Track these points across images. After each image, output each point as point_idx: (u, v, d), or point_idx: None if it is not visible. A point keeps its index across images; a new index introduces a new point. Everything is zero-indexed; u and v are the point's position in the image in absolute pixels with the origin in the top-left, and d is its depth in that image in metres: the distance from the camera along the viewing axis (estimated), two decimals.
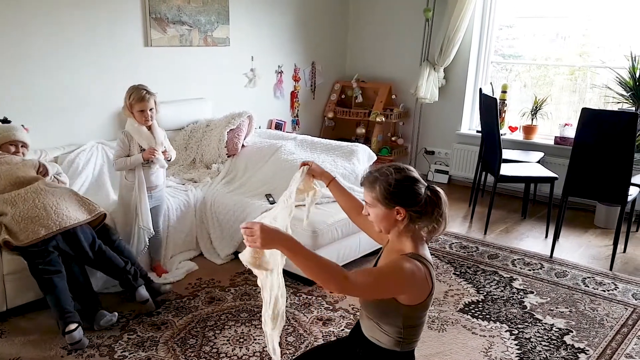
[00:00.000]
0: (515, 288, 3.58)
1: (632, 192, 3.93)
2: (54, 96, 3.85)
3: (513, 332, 3.06)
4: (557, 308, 3.34)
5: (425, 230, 1.76)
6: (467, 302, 3.38)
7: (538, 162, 4.85)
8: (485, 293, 3.50)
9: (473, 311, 3.27)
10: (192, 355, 2.76)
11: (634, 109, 4.64)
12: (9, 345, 2.80)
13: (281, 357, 1.92)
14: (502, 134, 4.78)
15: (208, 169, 4.35)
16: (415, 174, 1.76)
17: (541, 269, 3.88)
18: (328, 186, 2.11)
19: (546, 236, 4.48)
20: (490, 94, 4.64)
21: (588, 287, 3.62)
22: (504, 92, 5.43)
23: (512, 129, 5.55)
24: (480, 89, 4.74)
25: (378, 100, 5.84)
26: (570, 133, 4.98)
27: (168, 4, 4.40)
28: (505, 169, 4.42)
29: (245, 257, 1.70)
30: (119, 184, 3.46)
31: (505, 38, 5.82)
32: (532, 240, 4.44)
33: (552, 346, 2.93)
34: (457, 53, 5.55)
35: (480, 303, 3.37)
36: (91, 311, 2.94)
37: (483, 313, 3.26)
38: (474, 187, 5.12)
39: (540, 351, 2.88)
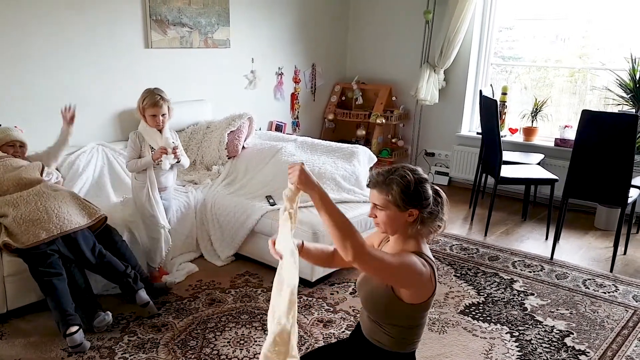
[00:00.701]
0: (516, 290, 3.58)
1: (633, 193, 3.94)
2: (54, 97, 3.84)
3: (514, 334, 3.06)
4: (557, 310, 3.34)
5: (429, 230, 1.77)
6: (467, 304, 3.38)
7: (538, 164, 4.85)
8: (485, 295, 3.50)
9: (474, 313, 3.27)
10: (193, 357, 2.75)
11: (634, 110, 4.64)
12: (9, 347, 2.80)
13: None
14: (502, 136, 4.78)
15: (208, 170, 4.35)
16: (425, 175, 1.79)
17: (542, 270, 3.88)
18: (300, 254, 1.83)
19: (546, 238, 4.48)
20: (490, 96, 4.64)
21: (588, 289, 3.62)
22: (504, 93, 5.44)
23: (513, 131, 5.56)
24: (481, 91, 4.75)
25: (378, 102, 5.85)
26: (571, 135, 4.98)
27: (168, 5, 4.40)
28: (506, 171, 4.42)
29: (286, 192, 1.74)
30: (131, 186, 3.46)
31: (505, 40, 5.82)
32: (532, 242, 4.44)
33: (553, 348, 2.93)
34: (457, 55, 5.55)
35: (481, 305, 3.37)
36: (91, 314, 2.93)
37: (484, 315, 3.25)
38: (474, 189, 5.12)
39: (541, 353, 2.88)
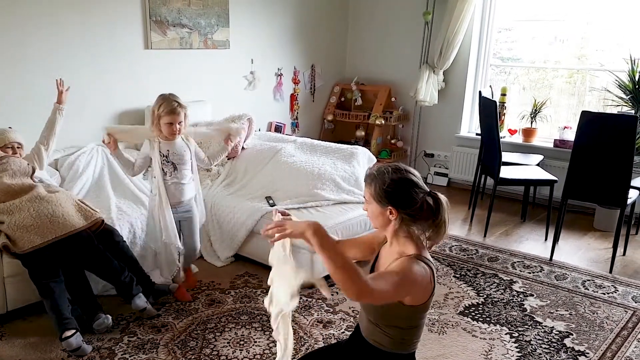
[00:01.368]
0: (515, 291, 3.58)
1: (632, 194, 3.94)
2: (53, 98, 3.84)
3: (513, 334, 3.06)
4: (557, 311, 3.34)
5: (424, 236, 1.75)
6: (467, 305, 3.38)
7: (537, 164, 4.86)
8: (485, 296, 3.50)
9: (473, 314, 3.28)
10: (193, 357, 2.75)
11: (633, 112, 4.64)
12: (9, 348, 2.80)
13: None
14: (501, 137, 4.79)
15: (208, 171, 4.35)
16: (414, 177, 1.75)
17: (541, 271, 3.88)
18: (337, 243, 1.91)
19: (546, 239, 4.48)
20: (489, 97, 4.65)
21: (588, 289, 3.63)
22: (503, 94, 5.44)
23: (512, 132, 5.56)
24: (480, 92, 4.75)
25: (377, 103, 5.85)
26: (570, 136, 4.99)
27: (168, 6, 4.40)
28: (505, 172, 4.43)
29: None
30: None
31: (504, 41, 5.83)
32: (531, 243, 4.45)
33: (552, 349, 2.94)
34: (456, 56, 5.56)
35: (480, 306, 3.38)
36: (92, 315, 2.93)
37: (483, 316, 3.26)
38: (474, 190, 5.13)
39: (540, 354, 2.89)
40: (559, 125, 5.31)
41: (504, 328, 3.13)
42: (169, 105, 3.00)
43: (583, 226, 4.83)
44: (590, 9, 5.16)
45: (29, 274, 2.87)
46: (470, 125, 5.89)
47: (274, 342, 2.85)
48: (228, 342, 2.89)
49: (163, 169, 3.10)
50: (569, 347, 2.95)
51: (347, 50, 6.35)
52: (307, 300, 3.35)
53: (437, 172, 6.06)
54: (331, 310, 3.26)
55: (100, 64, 4.09)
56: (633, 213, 4.40)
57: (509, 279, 3.76)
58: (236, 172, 4.28)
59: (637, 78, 4.63)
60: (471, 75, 5.72)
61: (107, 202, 3.54)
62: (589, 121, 3.75)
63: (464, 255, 4.13)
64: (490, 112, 4.41)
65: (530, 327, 3.14)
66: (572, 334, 3.08)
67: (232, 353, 2.80)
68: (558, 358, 2.86)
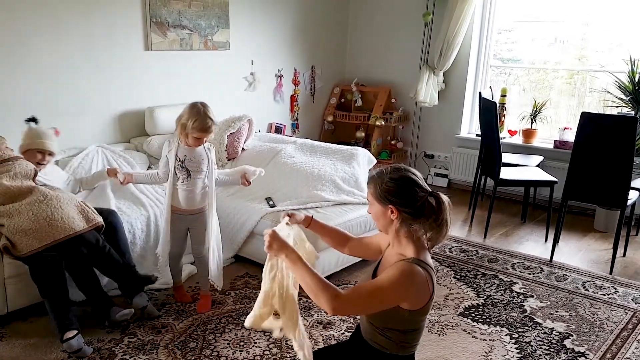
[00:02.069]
0: (515, 292, 3.58)
1: (632, 195, 3.94)
2: (54, 99, 3.85)
3: (513, 336, 3.06)
4: (557, 312, 3.34)
5: (425, 236, 1.76)
6: (467, 306, 3.38)
7: (537, 165, 4.86)
8: (485, 297, 3.51)
9: (473, 315, 3.28)
10: (193, 358, 2.75)
11: (633, 113, 4.65)
12: (9, 349, 2.80)
13: None
14: (501, 138, 4.79)
15: None
16: (415, 176, 1.76)
17: (541, 272, 3.88)
18: (308, 227, 2.07)
19: (546, 240, 4.48)
20: (489, 98, 4.65)
21: (588, 290, 3.63)
22: (503, 95, 5.45)
23: (512, 133, 5.56)
24: (480, 93, 4.75)
25: (377, 104, 5.85)
26: (570, 137, 4.99)
27: (168, 8, 4.41)
28: (505, 173, 4.43)
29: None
30: None
31: (504, 42, 5.83)
32: (531, 244, 4.45)
33: (553, 350, 2.94)
34: (456, 57, 5.56)
35: (480, 307, 3.38)
36: (106, 310, 2.95)
37: (483, 317, 3.26)
38: (474, 191, 5.13)
39: (540, 355, 2.89)
40: (559, 126, 5.31)
41: (504, 329, 3.13)
42: (203, 124, 2.89)
43: (583, 227, 4.83)
44: (590, 10, 5.17)
45: (30, 273, 2.87)
46: (470, 126, 5.89)
47: (274, 343, 2.86)
48: (228, 343, 2.90)
49: (176, 173, 3.04)
50: (569, 348, 2.95)
51: (347, 51, 6.35)
52: (307, 301, 3.35)
53: (437, 173, 6.06)
54: None
55: (101, 65, 4.10)
56: (633, 214, 4.40)
57: (509, 280, 3.76)
58: None
59: (636, 79, 4.63)
60: (471, 76, 5.72)
61: (107, 203, 3.54)
62: (589, 122, 3.76)
63: (464, 256, 4.13)
64: (490, 113, 4.41)
65: (530, 328, 3.14)
66: (572, 335, 3.08)
67: (232, 354, 2.80)
68: (558, 359, 2.86)
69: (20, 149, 3.23)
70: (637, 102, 4.63)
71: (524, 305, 3.40)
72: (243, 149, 4.44)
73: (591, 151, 3.77)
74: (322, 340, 2.96)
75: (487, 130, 4.59)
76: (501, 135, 5.13)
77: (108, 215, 3.23)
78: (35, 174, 3.14)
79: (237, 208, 3.80)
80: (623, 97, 4.76)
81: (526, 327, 3.15)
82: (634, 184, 4.07)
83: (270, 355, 2.79)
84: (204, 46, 4.75)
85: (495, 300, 3.46)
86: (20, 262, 2.90)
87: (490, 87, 5.29)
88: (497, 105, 4.51)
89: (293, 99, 5.80)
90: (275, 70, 5.55)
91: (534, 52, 5.60)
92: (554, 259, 4.08)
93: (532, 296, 3.53)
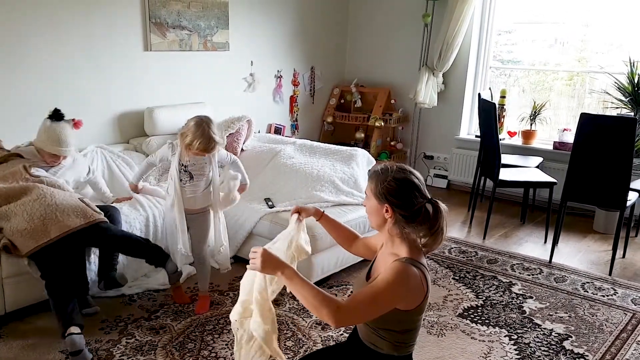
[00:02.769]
0: (515, 293, 3.58)
1: (631, 197, 3.94)
2: (53, 100, 3.83)
3: (512, 337, 3.06)
4: (556, 313, 3.33)
5: (419, 240, 1.75)
6: (466, 307, 3.37)
7: (537, 167, 4.85)
8: (484, 298, 3.50)
9: (472, 316, 3.27)
10: (191, 359, 2.75)
11: (632, 114, 4.64)
12: (7, 349, 2.79)
13: None
14: (501, 139, 4.79)
15: None
16: (417, 181, 1.75)
17: (540, 274, 3.88)
18: (319, 221, 2.12)
19: (545, 241, 4.48)
20: (489, 99, 4.65)
21: (587, 292, 3.62)
22: (502, 97, 5.44)
23: (511, 134, 5.56)
24: (479, 94, 4.75)
25: (377, 105, 5.85)
26: (569, 138, 4.98)
27: (168, 8, 4.41)
28: (504, 174, 4.42)
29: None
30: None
31: (504, 43, 5.83)
32: (531, 245, 4.44)
33: (552, 351, 2.93)
34: (456, 58, 5.56)
35: (480, 308, 3.37)
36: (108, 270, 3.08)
37: (482, 318, 3.25)
38: (473, 192, 5.12)
39: (539, 356, 2.88)
40: (559, 127, 5.31)
41: (503, 330, 3.12)
42: (207, 144, 2.90)
43: (582, 228, 4.82)
44: (590, 11, 5.16)
45: (39, 269, 2.89)
46: (469, 128, 5.89)
47: None
48: (226, 344, 2.89)
49: (179, 177, 3.06)
50: (568, 350, 2.95)
51: (347, 52, 6.35)
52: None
53: (437, 174, 6.06)
54: None
55: (100, 65, 4.09)
56: (632, 215, 4.40)
57: (508, 281, 3.75)
58: None
59: (636, 80, 4.63)
60: (471, 78, 5.72)
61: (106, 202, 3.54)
62: (589, 123, 3.75)
63: (463, 257, 4.13)
64: (489, 114, 4.41)
65: (529, 330, 3.13)
66: (572, 337, 3.07)
67: (231, 355, 2.79)
68: None
69: (35, 144, 3.22)
70: (637, 103, 4.63)
71: (523, 307, 3.40)
72: (242, 149, 4.43)
73: (591, 152, 3.76)
74: (321, 341, 2.95)
75: (486, 131, 4.59)
76: (500, 136, 5.13)
77: (109, 209, 3.26)
78: (27, 171, 3.11)
79: (236, 209, 3.77)
80: (622, 98, 4.76)
81: (525, 329, 3.14)
82: (633, 185, 4.07)
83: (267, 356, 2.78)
84: (203, 47, 4.75)
85: (495, 302, 3.45)
86: (18, 261, 2.90)
87: (490, 88, 5.29)
88: (497, 106, 4.50)
89: (292, 99, 5.80)
90: (275, 71, 5.55)
91: (534, 53, 5.60)
92: (553, 260, 4.07)
93: (532, 297, 3.52)
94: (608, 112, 4.93)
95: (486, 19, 5.57)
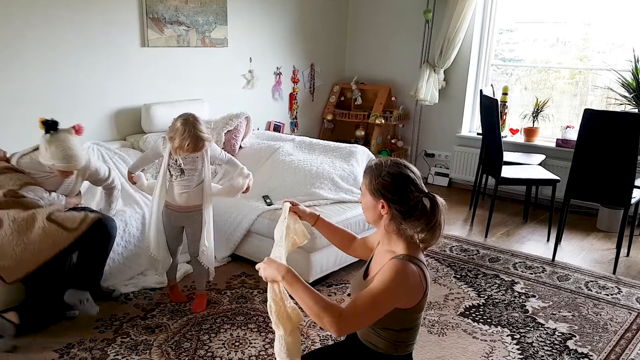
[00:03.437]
0: (517, 292, 3.52)
1: (636, 194, 3.88)
2: (49, 96, 3.80)
3: (515, 336, 3.00)
4: (559, 312, 3.28)
5: (417, 236, 1.69)
6: (467, 306, 3.32)
7: (539, 164, 4.80)
8: (486, 297, 3.44)
9: (474, 315, 3.21)
10: (187, 359, 2.69)
11: (637, 110, 4.59)
12: None
13: None
14: (503, 136, 4.73)
15: None
16: (412, 174, 1.70)
17: (543, 272, 3.82)
18: (314, 225, 2.04)
19: (548, 239, 4.42)
20: (490, 95, 4.59)
21: (591, 291, 3.56)
22: (504, 94, 5.39)
23: (513, 132, 5.51)
24: (481, 91, 4.69)
25: (377, 102, 5.80)
26: (572, 135, 4.93)
27: (165, 4, 4.35)
28: (507, 172, 4.37)
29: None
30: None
31: (505, 42, 5.78)
32: (533, 243, 4.39)
33: (555, 351, 2.87)
34: (457, 55, 5.51)
35: (481, 307, 3.31)
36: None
37: (484, 317, 3.19)
38: (475, 190, 5.07)
39: (542, 356, 2.82)
40: (562, 124, 5.25)
41: (506, 330, 3.06)
42: (195, 144, 2.84)
43: (586, 226, 4.76)
44: (592, 9, 5.11)
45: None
46: (471, 125, 5.84)
47: (270, 343, 2.80)
48: (223, 344, 2.84)
49: (169, 171, 3.00)
50: (572, 349, 2.89)
51: (347, 49, 6.30)
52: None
53: (438, 172, 6.00)
54: None
55: (97, 61, 4.04)
56: (637, 213, 4.34)
57: (510, 279, 3.69)
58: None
59: None
60: (472, 75, 5.67)
61: (99, 205, 3.49)
62: (592, 119, 3.69)
63: (465, 256, 4.07)
64: (491, 110, 4.35)
65: (532, 329, 3.08)
66: (575, 336, 3.02)
67: (227, 354, 2.74)
68: None
69: (42, 162, 2.91)
70: None
71: (525, 306, 3.34)
72: (240, 146, 4.38)
73: (594, 149, 3.70)
74: (320, 340, 2.90)
75: (488, 128, 4.53)
76: (503, 133, 5.08)
77: (106, 221, 3.02)
78: (10, 158, 3.00)
79: (233, 206, 3.74)
80: (626, 94, 4.70)
81: (528, 328, 3.09)
82: (638, 182, 4.01)
83: (265, 356, 2.73)
84: (201, 43, 4.70)
85: (497, 300, 3.40)
86: None
87: (492, 85, 5.24)
88: (499, 102, 4.45)
89: (292, 97, 5.75)
90: (274, 67, 5.50)
91: (536, 52, 5.54)
92: (556, 258, 4.02)
93: (534, 296, 3.47)
94: (612, 109, 4.87)
95: (487, 16, 5.52)
